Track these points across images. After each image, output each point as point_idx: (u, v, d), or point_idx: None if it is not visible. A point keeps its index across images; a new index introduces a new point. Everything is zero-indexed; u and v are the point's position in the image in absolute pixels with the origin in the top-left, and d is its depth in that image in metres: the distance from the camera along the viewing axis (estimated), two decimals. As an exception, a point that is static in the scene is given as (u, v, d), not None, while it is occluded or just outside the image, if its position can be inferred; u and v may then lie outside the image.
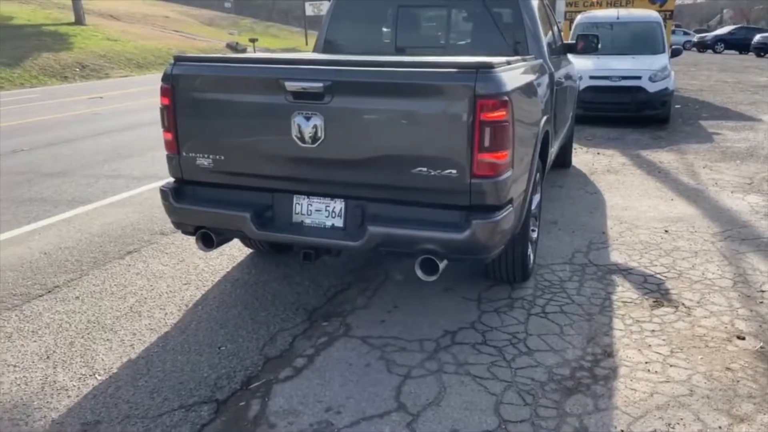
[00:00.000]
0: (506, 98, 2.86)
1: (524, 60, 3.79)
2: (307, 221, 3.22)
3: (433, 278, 3.03)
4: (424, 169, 2.92)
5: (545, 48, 4.47)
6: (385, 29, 4.91)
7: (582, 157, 7.64)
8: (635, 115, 9.69)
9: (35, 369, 3.01)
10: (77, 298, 3.78)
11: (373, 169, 3.05)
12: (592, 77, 9.51)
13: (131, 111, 12.98)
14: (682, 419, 2.58)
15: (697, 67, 24.11)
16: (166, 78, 3.29)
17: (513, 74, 3.16)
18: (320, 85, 2.94)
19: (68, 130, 10.40)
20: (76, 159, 7.87)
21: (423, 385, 2.85)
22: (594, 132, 9.24)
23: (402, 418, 2.61)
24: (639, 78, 9.45)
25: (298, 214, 3.23)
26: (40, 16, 29.02)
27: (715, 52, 38.39)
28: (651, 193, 6.03)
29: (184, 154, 3.36)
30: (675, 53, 11.25)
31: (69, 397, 2.78)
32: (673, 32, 41.31)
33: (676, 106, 11.80)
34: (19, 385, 2.88)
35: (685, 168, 7.08)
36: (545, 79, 4.23)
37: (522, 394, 2.78)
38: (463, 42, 4.87)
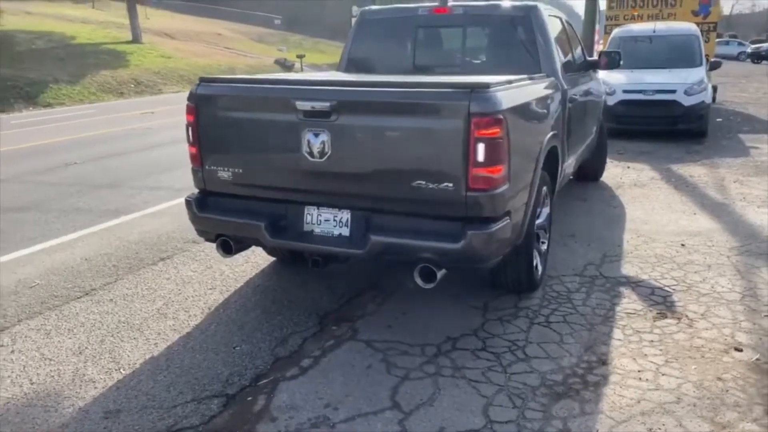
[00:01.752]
0: (501, 116, 3.03)
1: (531, 78, 3.94)
2: (317, 230, 3.45)
3: (430, 286, 3.20)
4: (423, 182, 3.12)
5: (558, 65, 4.59)
6: (404, 48, 5.11)
7: (611, 171, 7.66)
8: (670, 129, 9.61)
9: (68, 363, 3.31)
10: (111, 300, 4.10)
11: (376, 181, 3.27)
12: (625, 91, 9.50)
13: (179, 125, 13.53)
14: (664, 425, 2.67)
15: (748, 78, 23.47)
16: (191, 97, 3.60)
17: (511, 93, 3.32)
18: (327, 104, 3.19)
19: (119, 144, 11.00)
20: (124, 172, 8.35)
21: (419, 386, 3.02)
22: (626, 146, 9.20)
23: (394, 415, 2.79)
24: (674, 92, 9.37)
25: (308, 223, 3.47)
26: (99, 35, 30.47)
27: (770, 63, 37.23)
28: (674, 207, 6.03)
29: (206, 167, 3.64)
30: (714, 66, 11.09)
31: (95, 388, 3.07)
32: (727, 43, 40.50)
33: (717, 120, 11.61)
34: (53, 376, 3.18)
35: (715, 182, 7.02)
36: (556, 96, 4.35)
37: (512, 397, 2.91)
38: (478, 60, 5.04)
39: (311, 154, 3.28)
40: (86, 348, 3.46)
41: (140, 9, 32.07)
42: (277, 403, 2.91)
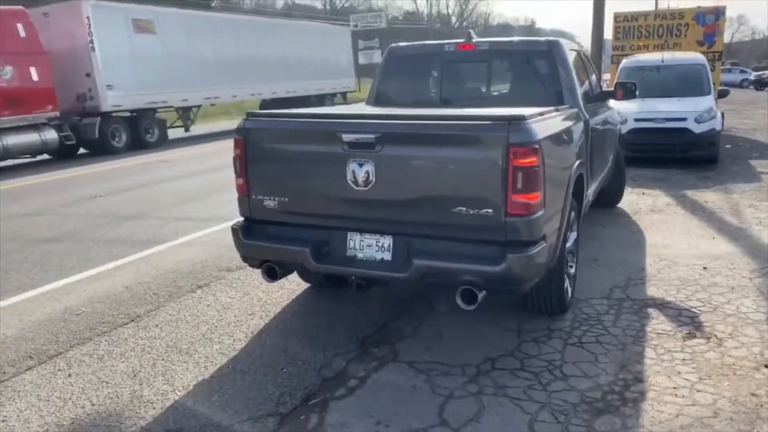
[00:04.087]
0: (537, 146, 3.22)
1: (558, 110, 4.14)
2: (360, 255, 3.62)
3: (472, 307, 3.35)
4: (464, 208, 3.30)
5: (580, 97, 4.79)
6: (431, 82, 5.35)
7: (626, 198, 7.81)
8: (682, 156, 9.80)
9: (124, 385, 3.46)
10: (157, 326, 4.26)
11: (418, 208, 3.45)
12: (636, 119, 9.72)
13: (195, 157, 13.86)
14: (704, 438, 2.79)
15: (753, 105, 23.73)
16: (239, 130, 3.82)
17: (544, 124, 3.51)
18: (372, 136, 3.40)
19: (138, 176, 11.27)
20: (148, 203, 8.57)
21: (464, 404, 3.15)
22: (640, 173, 9.39)
23: (444, 431, 2.92)
24: (684, 119, 9.59)
25: (351, 248, 3.64)
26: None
27: (773, 89, 37.58)
28: (693, 232, 6.18)
29: (253, 196, 3.83)
30: (722, 94, 11.33)
31: (154, 408, 3.21)
32: (729, 70, 40.92)
33: (726, 146, 11.80)
34: (111, 398, 3.33)
35: (730, 207, 7.18)
36: (580, 127, 4.55)
37: (555, 413, 3.04)
38: (502, 93, 5.27)
39: (356, 182, 3.47)
40: (140, 371, 3.61)
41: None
42: (330, 421, 3.05)
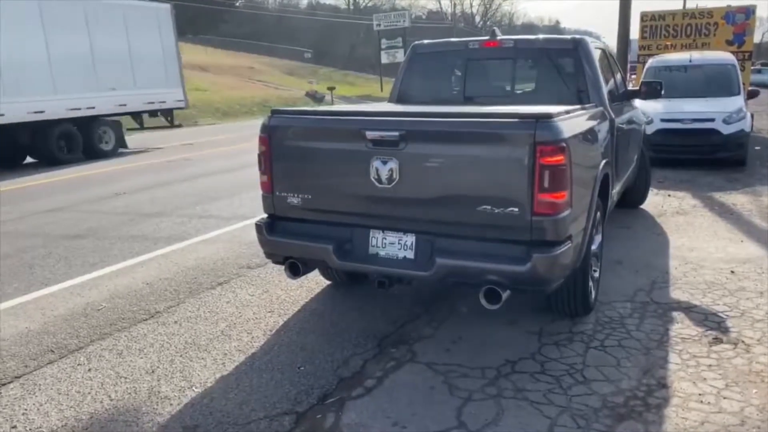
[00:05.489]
0: (564, 144, 3.18)
1: (584, 108, 4.07)
2: (382, 253, 3.61)
3: (496, 307, 3.31)
4: (489, 207, 3.27)
5: (606, 96, 4.71)
6: (455, 80, 5.31)
7: (652, 200, 7.68)
8: (709, 158, 9.60)
9: (143, 381, 3.47)
10: (176, 322, 4.27)
11: (442, 206, 3.43)
12: (663, 120, 9.55)
13: (217, 157, 13.96)
14: (730, 446, 2.71)
15: (784, 106, 23.19)
16: (264, 128, 3.84)
17: (571, 122, 3.46)
18: (396, 134, 3.38)
19: (162, 174, 11.36)
20: (171, 201, 8.63)
21: (483, 407, 3.10)
22: (666, 174, 9.22)
23: (462, 434, 2.88)
24: (712, 120, 9.39)
25: (374, 246, 3.63)
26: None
27: (805, 90, 36.68)
28: (720, 235, 6.04)
29: (277, 193, 3.86)
30: (752, 95, 11.09)
31: (171, 405, 3.21)
32: (759, 71, 40.03)
33: (756, 148, 11.54)
34: (129, 393, 3.34)
35: (759, 210, 7.00)
36: (605, 125, 4.47)
37: (575, 418, 2.97)
38: (527, 91, 5.19)
39: (379, 180, 3.46)
40: (158, 367, 3.62)
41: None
42: (347, 420, 3.02)
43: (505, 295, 3.27)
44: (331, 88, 34.67)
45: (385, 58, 43.37)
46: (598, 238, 4.28)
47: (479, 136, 3.31)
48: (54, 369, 3.64)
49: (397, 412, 3.08)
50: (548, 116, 3.18)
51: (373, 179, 3.46)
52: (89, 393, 3.35)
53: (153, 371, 3.57)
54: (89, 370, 3.61)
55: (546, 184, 3.14)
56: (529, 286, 3.32)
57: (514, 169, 3.20)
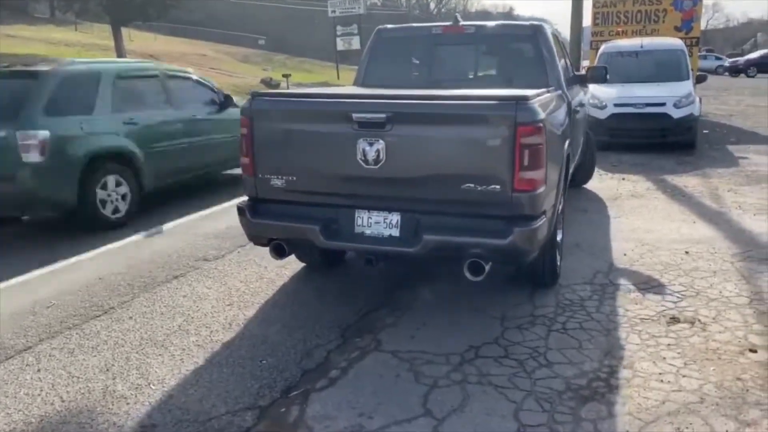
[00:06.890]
0: (541, 124, 3.32)
1: (548, 91, 4.13)
2: (368, 232, 3.67)
3: (479, 278, 3.46)
4: (472, 185, 3.39)
5: (563, 79, 4.78)
6: (420, 64, 5.34)
7: (607, 183, 7.82)
8: (661, 141, 9.83)
9: (96, 380, 3.33)
10: (131, 318, 4.12)
11: (427, 186, 3.52)
12: (616, 105, 9.72)
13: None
14: (691, 424, 2.75)
15: (728, 91, 23.99)
16: (245, 111, 3.80)
17: (544, 104, 3.59)
18: (383, 115, 3.42)
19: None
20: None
21: (448, 393, 3.08)
22: (620, 158, 9.40)
23: (428, 422, 2.85)
24: (663, 104, 9.62)
25: (359, 225, 3.68)
26: (84, 57, 30.45)
27: (747, 76, 38.05)
28: (674, 217, 6.19)
29: (259, 176, 3.82)
30: (700, 79, 11.39)
31: (128, 404, 3.09)
32: (705, 57, 41.34)
33: (704, 131, 11.88)
34: (83, 393, 3.20)
35: (709, 192, 7.20)
36: (564, 108, 4.55)
37: (540, 401, 2.98)
38: (489, 74, 5.30)
39: (365, 161, 3.50)
40: (113, 365, 3.48)
41: (124, 31, 32.08)
42: (312, 413, 2.96)
43: (487, 267, 3.41)
44: (286, 75, 34.08)
45: (340, 45, 42.88)
46: (560, 207, 4.45)
47: (462, 117, 3.43)
48: (0, 371, 3.46)
49: (362, 402, 3.03)
50: (526, 98, 3.31)
51: (359, 160, 3.51)
52: (39, 395, 3.19)
53: (108, 369, 3.43)
54: (39, 370, 3.45)
55: (526, 162, 3.29)
56: (510, 258, 3.51)
57: (495, 149, 3.34)
